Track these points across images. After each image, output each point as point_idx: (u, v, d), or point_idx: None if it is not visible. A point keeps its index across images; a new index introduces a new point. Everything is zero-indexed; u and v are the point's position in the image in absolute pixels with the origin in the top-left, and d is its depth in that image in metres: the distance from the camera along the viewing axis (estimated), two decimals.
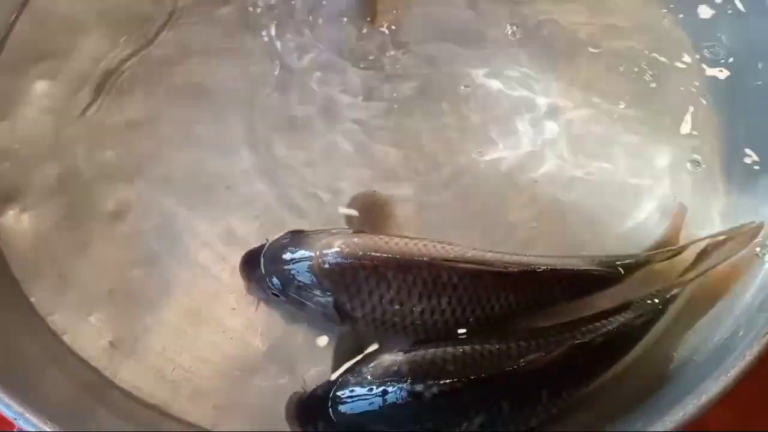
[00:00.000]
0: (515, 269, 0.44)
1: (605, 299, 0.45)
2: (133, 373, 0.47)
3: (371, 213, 0.51)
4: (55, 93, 0.57)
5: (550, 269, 0.44)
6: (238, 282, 0.48)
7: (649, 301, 0.44)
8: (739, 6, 0.58)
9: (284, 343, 0.47)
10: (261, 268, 0.46)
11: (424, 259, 0.43)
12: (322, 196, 0.52)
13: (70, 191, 0.53)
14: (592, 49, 0.58)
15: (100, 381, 0.47)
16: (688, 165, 0.53)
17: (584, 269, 0.45)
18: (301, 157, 0.54)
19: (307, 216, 0.52)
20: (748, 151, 0.52)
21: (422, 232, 0.49)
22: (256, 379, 0.46)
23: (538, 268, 0.44)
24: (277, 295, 0.46)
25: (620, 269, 0.45)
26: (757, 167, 0.52)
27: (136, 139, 0.55)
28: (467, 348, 0.42)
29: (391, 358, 0.42)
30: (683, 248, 0.47)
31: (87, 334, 0.48)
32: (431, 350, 0.42)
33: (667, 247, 0.47)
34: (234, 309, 0.48)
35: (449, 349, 0.42)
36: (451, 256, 0.44)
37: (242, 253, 0.48)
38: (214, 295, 0.49)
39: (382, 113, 0.56)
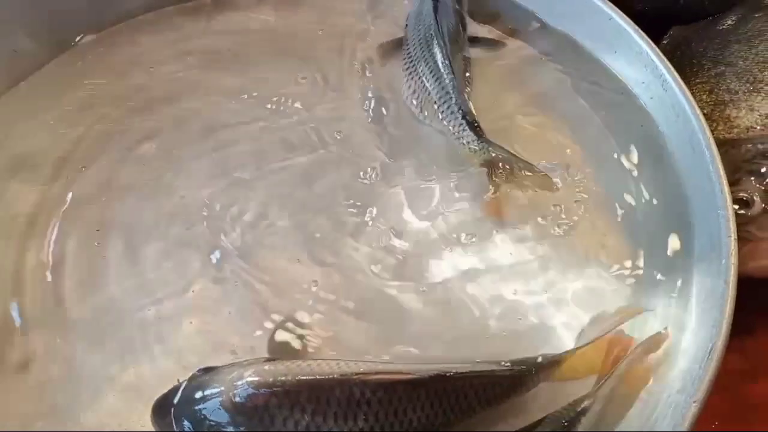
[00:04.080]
0: (427, 376, 0.44)
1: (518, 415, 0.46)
2: None
3: None
4: None
5: (463, 374, 0.44)
6: None
7: (560, 418, 0.44)
8: None
9: None
10: (171, 414, 0.44)
11: (335, 376, 0.43)
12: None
13: None
14: None
15: None
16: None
17: (496, 371, 0.45)
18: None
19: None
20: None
21: None
22: None
23: (450, 374, 0.44)
24: None
25: (532, 369, 0.46)
26: None
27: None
28: None
29: None
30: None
31: None
32: None
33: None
34: None
35: None
36: (362, 370, 0.44)
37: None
38: None
39: None
